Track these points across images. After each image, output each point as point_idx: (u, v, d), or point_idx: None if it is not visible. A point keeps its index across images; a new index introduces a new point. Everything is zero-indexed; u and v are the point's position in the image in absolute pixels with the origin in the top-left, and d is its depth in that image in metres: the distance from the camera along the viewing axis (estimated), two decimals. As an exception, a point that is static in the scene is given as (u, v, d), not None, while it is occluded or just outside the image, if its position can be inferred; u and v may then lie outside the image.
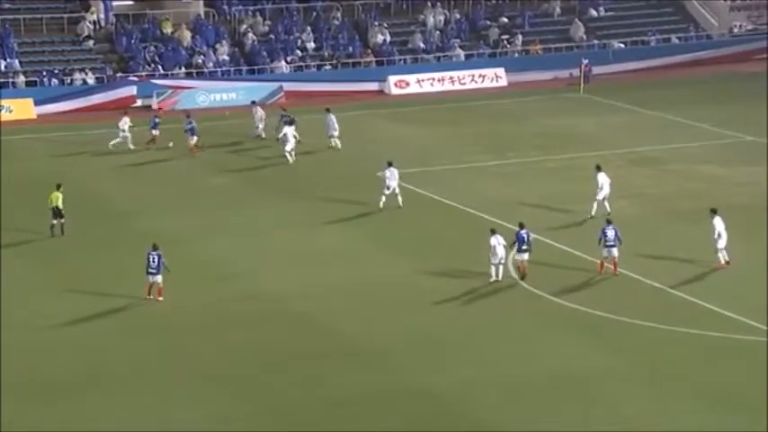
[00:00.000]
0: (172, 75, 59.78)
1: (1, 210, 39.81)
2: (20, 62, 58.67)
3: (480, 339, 29.55)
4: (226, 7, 64.52)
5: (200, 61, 60.83)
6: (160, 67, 59.98)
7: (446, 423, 25.22)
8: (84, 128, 53.72)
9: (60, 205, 37.36)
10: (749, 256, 34.76)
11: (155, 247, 32.03)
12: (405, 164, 46.04)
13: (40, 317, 31.05)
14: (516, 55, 65.49)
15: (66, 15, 61.62)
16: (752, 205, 39.73)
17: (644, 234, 36.30)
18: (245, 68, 61.43)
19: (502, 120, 55.04)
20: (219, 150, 48.69)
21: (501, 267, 33.15)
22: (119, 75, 59.27)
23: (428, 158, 47.19)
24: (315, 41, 63.78)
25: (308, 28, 64.28)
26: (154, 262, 31.72)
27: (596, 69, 63.06)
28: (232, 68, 61.23)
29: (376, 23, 64.98)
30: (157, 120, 49.46)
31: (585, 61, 61.89)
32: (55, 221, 37.31)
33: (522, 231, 33.49)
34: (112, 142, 48.52)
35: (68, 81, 58.32)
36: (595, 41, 66.69)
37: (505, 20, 67.03)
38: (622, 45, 66.83)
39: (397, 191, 39.89)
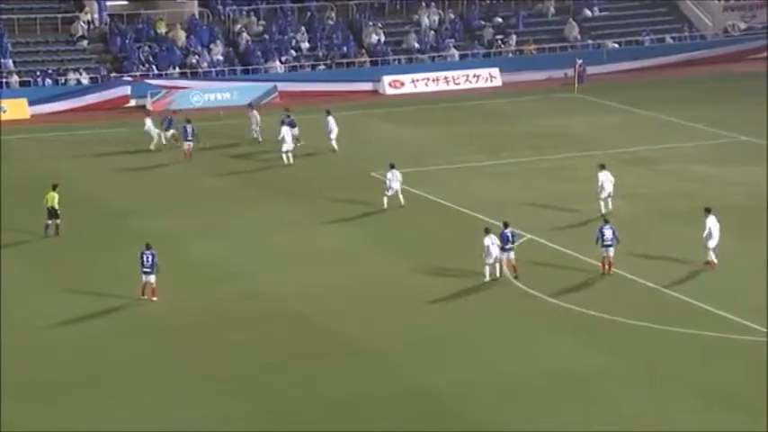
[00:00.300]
0: (166, 75, 59.75)
1: (1, 210, 39.75)
2: (14, 62, 58.60)
3: (477, 339, 29.60)
4: (220, 7, 64.49)
5: (194, 61, 60.80)
6: (154, 67, 59.94)
7: (445, 423, 25.27)
8: (79, 128, 53.70)
9: (56, 205, 37.32)
10: (743, 256, 34.84)
11: (148, 247, 32.04)
12: (399, 164, 45.91)
13: (39, 317, 31.05)
14: (510, 55, 65.55)
15: (60, 15, 61.57)
16: (746, 205, 39.81)
17: (638, 234, 36.35)
18: (239, 68, 61.42)
19: (496, 120, 55.08)
20: (216, 151, 48.62)
21: (497, 267, 33.18)
22: (113, 75, 59.23)
23: (423, 158, 47.22)
24: (309, 41, 63.78)
25: (303, 28, 64.28)
26: (147, 261, 31.74)
27: (590, 69, 63.14)
28: (226, 68, 61.22)
29: (370, 23, 65.00)
30: (171, 119, 49.44)
31: (580, 61, 61.97)
32: (50, 222, 37.29)
33: (507, 230, 33.60)
34: (152, 144, 48.05)
35: (62, 81, 58.27)
36: (590, 41, 66.76)
37: (500, 20, 67.07)
38: (617, 45, 66.90)
39: (399, 193, 39.87)
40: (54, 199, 37.37)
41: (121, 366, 28.16)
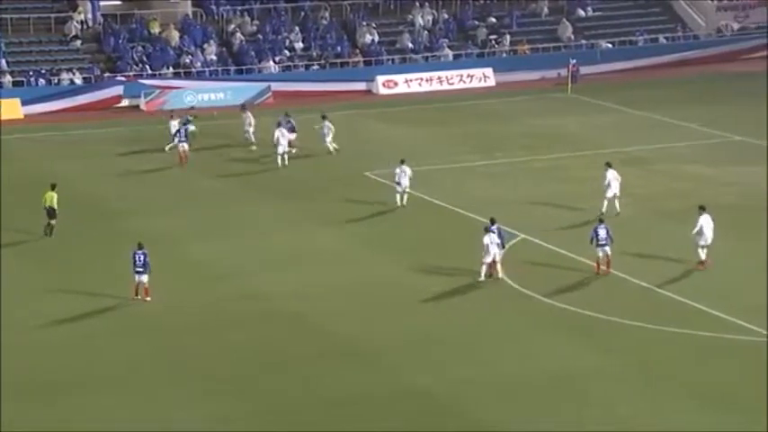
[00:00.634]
0: (159, 75, 59.70)
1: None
2: (7, 62, 58.50)
3: (473, 339, 29.58)
4: (214, 7, 64.44)
5: (187, 61, 60.75)
6: (148, 66, 59.89)
7: (442, 423, 25.25)
8: (73, 128, 53.66)
9: (55, 205, 37.30)
10: (738, 256, 34.87)
11: (140, 246, 32.02)
12: (393, 164, 46.03)
13: (33, 317, 30.96)
14: (504, 55, 65.59)
15: (53, 15, 61.48)
16: (740, 205, 39.86)
17: (632, 234, 36.35)
18: (233, 68, 61.39)
19: (490, 120, 55.10)
20: (211, 151, 48.53)
21: (498, 266, 33.15)
22: (106, 75, 59.16)
23: (416, 158, 47.10)
24: (303, 41, 63.76)
25: (297, 28, 64.27)
26: (139, 261, 31.72)
27: (584, 69, 63.19)
28: (220, 68, 61.18)
29: (364, 23, 64.99)
30: (190, 118, 49.50)
31: (573, 61, 62.03)
32: (50, 221, 37.22)
33: (493, 227, 33.72)
34: (167, 146, 47.84)
35: (56, 81, 58.18)
36: (583, 41, 66.82)
37: (493, 20, 67.12)
38: (610, 45, 66.97)
39: (407, 189, 39.71)
40: (53, 199, 37.35)
41: (117, 366, 28.11)
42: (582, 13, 69.25)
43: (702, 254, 33.92)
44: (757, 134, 49.92)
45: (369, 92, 61.70)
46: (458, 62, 64.04)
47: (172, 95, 58.36)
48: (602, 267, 33.66)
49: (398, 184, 39.89)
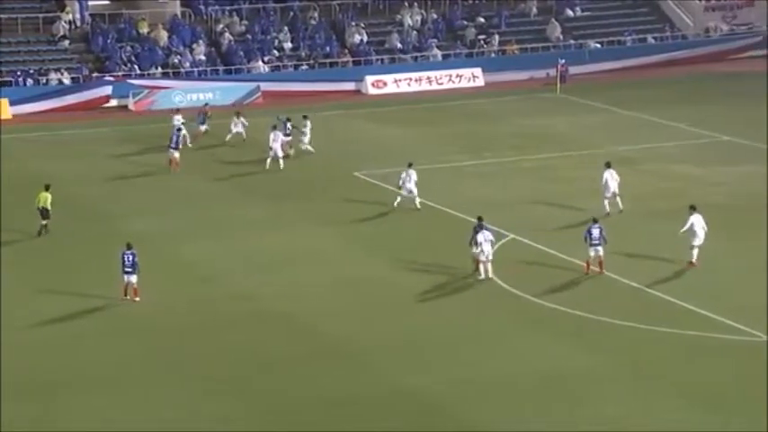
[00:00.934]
0: (148, 75, 59.61)
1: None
2: (-5, 62, 58.40)
3: (463, 340, 29.58)
4: (202, 7, 64.38)
5: (176, 61, 60.68)
6: (136, 66, 59.80)
7: (432, 423, 25.25)
8: (61, 128, 53.56)
9: (48, 206, 37.25)
10: (727, 256, 34.95)
11: (129, 247, 32.00)
12: (382, 164, 46.16)
13: (26, 317, 30.87)
14: (493, 55, 65.67)
15: (41, 15, 61.34)
16: (729, 205, 39.96)
17: (621, 234, 36.38)
18: (221, 68, 61.34)
19: (479, 120, 55.15)
20: (203, 152, 48.40)
21: (489, 265, 33.22)
22: (95, 75, 59.03)
23: (405, 158, 46.96)
24: (292, 41, 63.74)
25: (285, 28, 64.25)
26: (128, 261, 31.70)
27: (573, 69, 63.32)
28: (209, 68, 61.13)
29: (353, 23, 65.00)
30: (208, 115, 49.39)
31: (562, 61, 62.14)
32: (44, 222, 37.19)
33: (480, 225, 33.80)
34: (188, 142, 47.57)
35: (44, 81, 58.04)
36: (572, 41, 66.95)
37: (482, 20, 67.20)
38: (599, 45, 67.10)
39: (415, 192, 39.53)
40: (47, 199, 37.31)
41: (107, 367, 28.05)
42: (570, 13, 69.37)
43: (694, 254, 34.01)
44: (745, 134, 50.10)
45: (358, 92, 61.72)
46: (447, 62, 64.10)
47: (160, 95, 58.29)
48: (594, 268, 33.71)
49: (401, 187, 39.60)
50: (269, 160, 45.38)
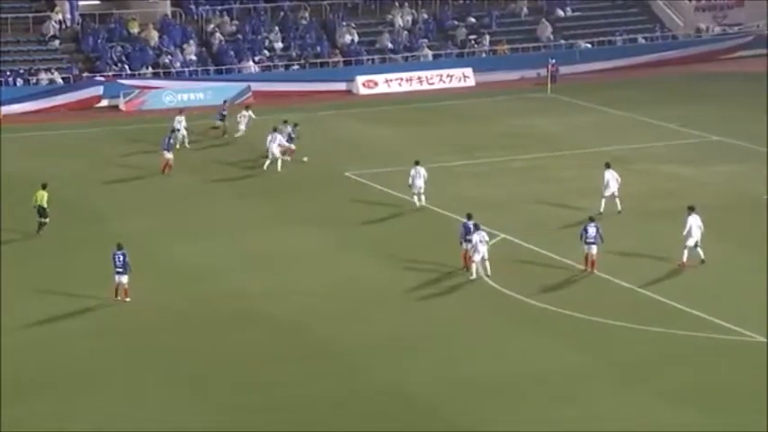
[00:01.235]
0: (139, 75, 59.53)
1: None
2: (-16, 62, 58.25)
3: (453, 339, 29.62)
4: (193, 7, 64.29)
5: (167, 61, 60.60)
6: (127, 66, 59.70)
7: (423, 424, 25.26)
8: (52, 128, 53.44)
9: (45, 204, 37.27)
10: (718, 256, 34.99)
11: (119, 247, 32.01)
12: (372, 163, 46.18)
13: (18, 318, 30.80)
14: (484, 55, 65.69)
15: (31, 15, 61.17)
16: (719, 205, 39.99)
17: (612, 233, 36.39)
18: (212, 68, 61.27)
19: (469, 120, 55.17)
20: (191, 151, 48.34)
21: (487, 264, 33.24)
22: (85, 75, 58.93)
23: (396, 158, 47.21)
24: (282, 41, 63.69)
25: (276, 28, 64.19)
26: (119, 261, 31.70)
27: (563, 69, 63.37)
28: (199, 68, 61.05)
29: (344, 23, 64.98)
30: (225, 113, 49.83)
31: (553, 61, 62.19)
32: (42, 220, 37.26)
33: (469, 222, 33.90)
34: (180, 143, 47.45)
35: (34, 81, 57.92)
36: (562, 41, 67.00)
37: (473, 20, 67.22)
38: (589, 45, 67.17)
39: (422, 191, 39.50)
40: (43, 198, 37.32)
41: (95, 367, 28.02)
42: (561, 13, 69.43)
43: (686, 255, 34.09)
44: (735, 134, 50.23)
45: (349, 92, 61.69)
46: (437, 62, 64.12)
47: (151, 96, 58.22)
48: (581, 267, 33.76)
49: (413, 186, 39.56)
50: (267, 162, 45.17)
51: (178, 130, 47.82)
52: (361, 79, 61.82)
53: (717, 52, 69.06)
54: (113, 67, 59.56)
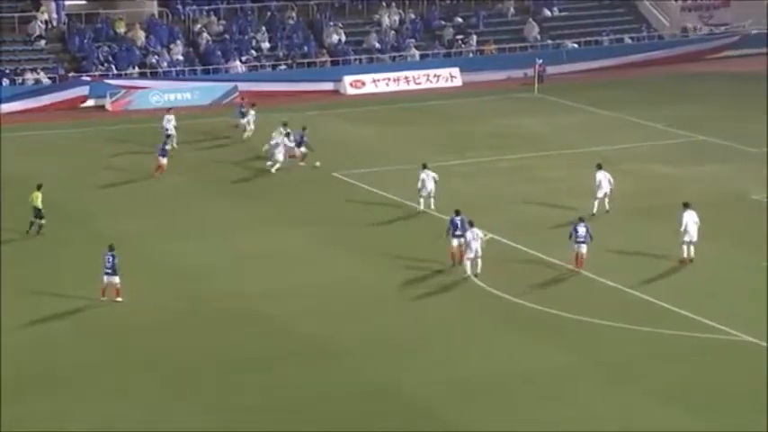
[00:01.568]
0: (125, 75, 59.38)
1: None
2: (-29, 62, 58.04)
3: (443, 339, 29.67)
4: (180, 7, 64.17)
5: (153, 61, 60.48)
6: (113, 66, 59.56)
7: (415, 423, 25.28)
8: (39, 128, 53.25)
9: (39, 205, 37.22)
10: (704, 255, 35.09)
11: (110, 248, 31.96)
12: (360, 163, 46.18)
13: (8, 318, 30.70)
14: (471, 55, 65.74)
15: (17, 15, 60.94)
16: (705, 204, 39.97)
17: (600, 233, 36.46)
18: (199, 68, 61.17)
19: (457, 120, 55.21)
20: (181, 151, 48.16)
21: (479, 262, 33.24)
22: (71, 74, 58.78)
23: (384, 158, 47.30)
24: (270, 41, 63.63)
25: (263, 28, 64.12)
26: (109, 262, 31.65)
27: (550, 69, 63.45)
28: (186, 68, 60.94)
29: (331, 23, 64.96)
30: (243, 109, 50.03)
31: (540, 61, 62.26)
32: (34, 220, 37.22)
33: (457, 218, 34.06)
34: (168, 144, 46.96)
35: (20, 81, 57.73)
36: (549, 41, 67.10)
37: (460, 20, 67.26)
38: (576, 45, 67.29)
39: (433, 194, 39.09)
40: (37, 198, 37.30)
41: (81, 367, 27.96)
42: (548, 13, 69.53)
43: (685, 251, 34.23)
44: (721, 134, 50.38)
45: (336, 92, 61.67)
46: (425, 62, 64.14)
47: (138, 96, 58.08)
48: (570, 266, 33.84)
49: (423, 189, 39.21)
50: (277, 165, 44.71)
51: (169, 132, 47.52)
52: (348, 79, 61.81)
53: (703, 52, 69.27)
54: (100, 66, 59.42)
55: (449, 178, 44.72)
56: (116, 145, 49.73)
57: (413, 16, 66.99)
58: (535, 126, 53.50)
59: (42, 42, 60.37)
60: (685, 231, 34.30)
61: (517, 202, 41.21)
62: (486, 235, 33.75)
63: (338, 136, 51.93)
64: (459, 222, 34.12)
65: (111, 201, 41.96)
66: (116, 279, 31.71)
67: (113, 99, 57.66)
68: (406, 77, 62.78)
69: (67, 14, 62.10)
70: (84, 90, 57.68)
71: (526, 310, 31.44)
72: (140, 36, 61.48)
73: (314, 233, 38.00)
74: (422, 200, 39.69)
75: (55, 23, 61.69)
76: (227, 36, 63.17)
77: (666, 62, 67.50)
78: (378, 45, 64.64)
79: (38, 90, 57.43)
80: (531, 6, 69.46)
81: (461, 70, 63.61)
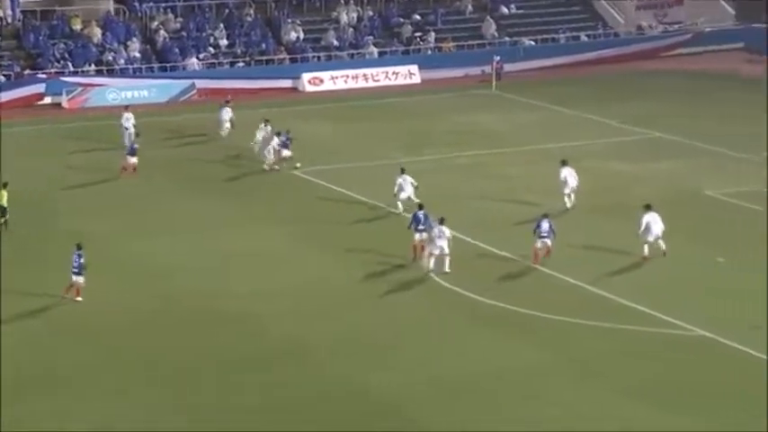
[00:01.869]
0: (82, 72, 59.03)
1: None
2: (-76, 59, 57.40)
3: (412, 339, 29.66)
4: (136, 4, 63.84)
5: (110, 58, 60.16)
6: (70, 64, 59.18)
7: (386, 423, 25.30)
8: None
9: (5, 203, 36.98)
10: (659, 251, 35.52)
11: (78, 247, 31.91)
12: (319, 161, 46.23)
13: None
14: (429, 52, 65.96)
15: (-29, 11, 60.46)
16: (662, 201, 40.48)
17: (559, 231, 36.82)
18: (156, 66, 60.91)
19: (415, 117, 55.39)
20: (155, 149, 47.86)
21: (447, 259, 33.40)
22: (27, 72, 58.32)
23: (342, 155, 47.40)
24: (227, 38, 63.49)
25: (221, 25, 63.95)
26: (75, 262, 31.63)
27: (507, 66, 63.81)
28: (143, 66, 60.67)
29: (289, 20, 64.92)
30: (288, 141, 49.19)
31: (497, 58, 62.62)
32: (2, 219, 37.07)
33: (420, 212, 34.32)
34: (128, 140, 46.61)
35: (-25, 78, 57.27)
36: (506, 39, 67.47)
37: (418, 17, 67.46)
38: (533, 42, 67.72)
39: (414, 199, 38.51)
40: (3, 197, 37.01)
41: (62, 367, 27.90)
42: (505, 10, 69.91)
43: (646, 249, 34.60)
44: (675, 131, 50.93)
45: (294, 89, 61.66)
46: (383, 59, 64.27)
47: (94, 93, 57.77)
48: (538, 260, 34.07)
49: (402, 192, 38.92)
50: (265, 165, 44.77)
51: (130, 130, 47.20)
52: (306, 76, 61.83)
53: (657, 50, 69.93)
54: (56, 64, 59.02)
55: (408, 175, 44.88)
56: (73, 143, 49.45)
57: (371, 13, 67.11)
58: (492, 123, 53.81)
59: (-3, 39, 59.90)
60: (647, 232, 34.67)
61: (475, 198, 41.46)
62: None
63: (296, 133, 51.84)
64: (422, 217, 34.34)
65: (77, 199, 41.60)
66: (81, 279, 31.61)
67: (70, 97, 57.32)
68: (364, 75, 62.89)
69: (22, 11, 61.58)
70: (41, 87, 57.28)
71: (490, 307, 31.56)
72: (97, 33, 61.12)
73: (274, 232, 37.92)
74: (400, 203, 39.31)
75: (10, 20, 61.15)
76: (184, 33, 62.96)
77: (621, 60, 68.08)
78: (336, 42, 64.70)
79: (-7, 87, 56.99)
80: (488, 4, 69.80)
81: (420, 67, 63.80)
